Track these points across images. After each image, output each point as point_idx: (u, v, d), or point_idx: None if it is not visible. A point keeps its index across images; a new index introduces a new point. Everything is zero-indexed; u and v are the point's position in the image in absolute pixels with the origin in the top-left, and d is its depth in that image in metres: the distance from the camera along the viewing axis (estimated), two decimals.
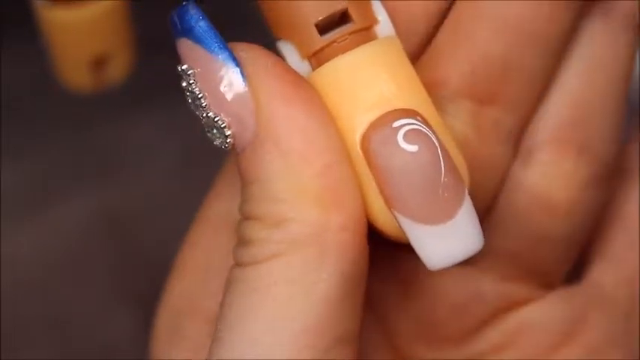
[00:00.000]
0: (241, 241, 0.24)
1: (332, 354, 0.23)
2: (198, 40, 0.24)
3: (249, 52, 0.24)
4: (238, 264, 0.24)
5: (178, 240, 0.30)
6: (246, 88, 0.24)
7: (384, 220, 0.24)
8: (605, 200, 0.29)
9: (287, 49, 0.25)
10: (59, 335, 0.42)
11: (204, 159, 0.36)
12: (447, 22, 0.26)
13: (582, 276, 0.30)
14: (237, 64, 0.24)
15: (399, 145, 0.23)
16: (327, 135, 0.24)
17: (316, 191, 0.23)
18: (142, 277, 0.42)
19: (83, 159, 0.45)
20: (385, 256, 0.28)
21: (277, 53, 0.25)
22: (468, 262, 0.28)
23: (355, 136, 0.24)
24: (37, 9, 0.42)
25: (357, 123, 0.24)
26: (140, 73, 0.45)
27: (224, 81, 0.24)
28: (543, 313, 0.29)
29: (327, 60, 0.24)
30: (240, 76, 0.24)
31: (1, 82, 0.46)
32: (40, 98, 0.46)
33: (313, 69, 0.25)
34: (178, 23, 0.24)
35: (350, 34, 0.24)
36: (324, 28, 0.24)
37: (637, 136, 0.31)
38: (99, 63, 0.44)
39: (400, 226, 0.24)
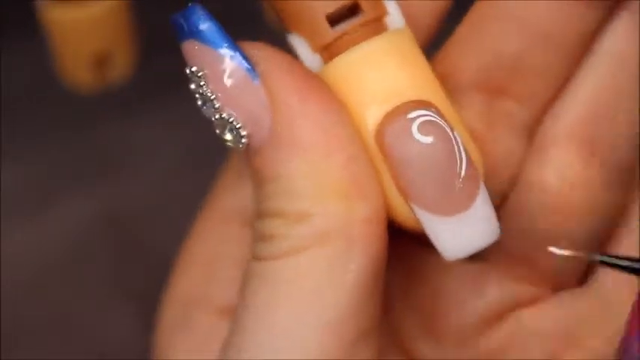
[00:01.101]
0: (260, 237, 0.24)
1: (357, 347, 0.23)
2: (207, 42, 0.24)
3: (260, 50, 0.24)
4: (258, 258, 0.24)
5: (178, 240, 0.30)
6: (261, 87, 0.23)
7: (400, 212, 0.24)
8: (622, 201, 0.28)
9: (298, 42, 0.25)
10: (59, 335, 0.42)
11: (204, 159, 0.36)
12: (465, 20, 0.27)
13: (586, 278, 0.30)
14: (249, 62, 0.24)
15: (413, 137, 0.23)
16: (345, 129, 0.24)
17: (339, 185, 0.23)
18: (142, 277, 0.42)
19: (83, 159, 0.45)
20: (391, 248, 0.28)
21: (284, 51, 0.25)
22: (475, 259, 0.28)
23: (369, 129, 0.24)
24: (39, 8, 0.42)
25: (370, 115, 0.24)
26: (141, 73, 0.45)
27: (237, 81, 0.23)
28: (547, 315, 0.29)
29: (339, 52, 0.24)
30: (253, 74, 0.23)
31: (1, 82, 0.46)
32: (41, 98, 0.46)
33: (325, 62, 0.25)
34: (185, 25, 0.24)
35: (361, 25, 0.24)
36: (334, 20, 0.24)
37: None
38: (100, 61, 0.44)
39: (416, 217, 0.24)
